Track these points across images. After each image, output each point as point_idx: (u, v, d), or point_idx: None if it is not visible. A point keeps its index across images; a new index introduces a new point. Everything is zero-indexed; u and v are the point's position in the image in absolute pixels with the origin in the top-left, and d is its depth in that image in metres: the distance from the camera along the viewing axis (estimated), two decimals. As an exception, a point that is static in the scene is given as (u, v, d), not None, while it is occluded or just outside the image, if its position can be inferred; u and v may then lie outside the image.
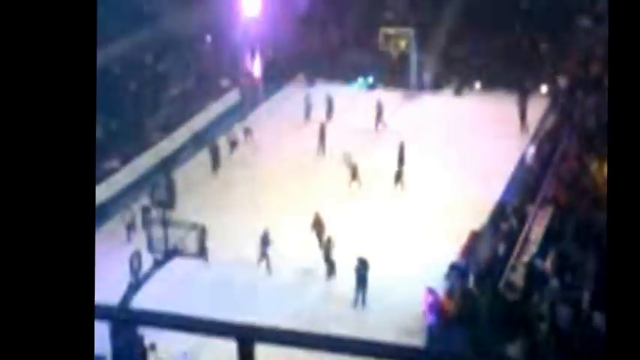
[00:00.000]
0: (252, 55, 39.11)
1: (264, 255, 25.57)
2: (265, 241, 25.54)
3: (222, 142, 33.75)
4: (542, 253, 23.87)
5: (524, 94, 35.57)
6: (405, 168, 30.83)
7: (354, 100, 37.55)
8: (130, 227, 27.59)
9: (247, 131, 35.06)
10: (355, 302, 23.62)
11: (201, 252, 25.78)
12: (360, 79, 40.32)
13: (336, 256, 25.06)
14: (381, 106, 35.52)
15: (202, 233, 25.68)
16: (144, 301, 22.17)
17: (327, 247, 25.11)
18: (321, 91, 38.07)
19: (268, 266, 25.52)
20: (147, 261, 24.98)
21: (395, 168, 30.76)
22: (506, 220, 26.11)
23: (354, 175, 30.06)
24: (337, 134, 35.05)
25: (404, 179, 30.53)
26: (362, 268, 23.49)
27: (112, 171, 31.14)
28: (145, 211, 27.64)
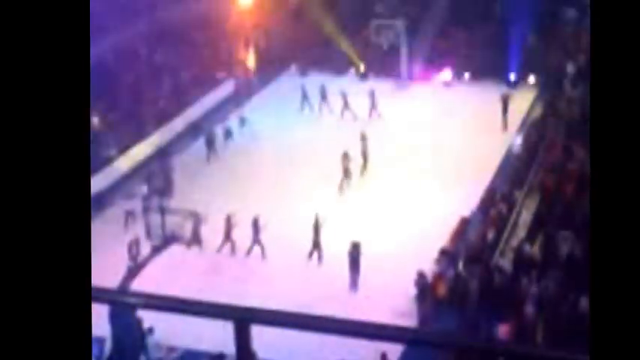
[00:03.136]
0: (246, 46, 39.49)
1: (256, 241, 26.12)
2: (256, 227, 26.05)
3: (218, 132, 34.28)
4: (530, 237, 24.38)
5: (508, 87, 36.30)
6: (369, 160, 31.17)
7: (346, 90, 37.89)
8: (130, 215, 28.06)
9: (242, 121, 35.59)
10: (349, 285, 24.20)
11: (196, 239, 26.40)
12: None
13: (323, 237, 25.55)
14: (374, 95, 36.04)
15: (197, 220, 26.29)
16: (141, 286, 22.68)
17: (315, 226, 25.58)
18: (314, 81, 38.51)
19: (263, 252, 26.08)
20: (145, 247, 25.58)
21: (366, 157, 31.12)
22: (495, 206, 26.62)
23: (347, 174, 30.21)
24: (331, 123, 35.69)
25: (368, 169, 31.05)
26: (354, 251, 24.07)
27: (110, 160, 31.65)
28: (144, 199, 28.19)
